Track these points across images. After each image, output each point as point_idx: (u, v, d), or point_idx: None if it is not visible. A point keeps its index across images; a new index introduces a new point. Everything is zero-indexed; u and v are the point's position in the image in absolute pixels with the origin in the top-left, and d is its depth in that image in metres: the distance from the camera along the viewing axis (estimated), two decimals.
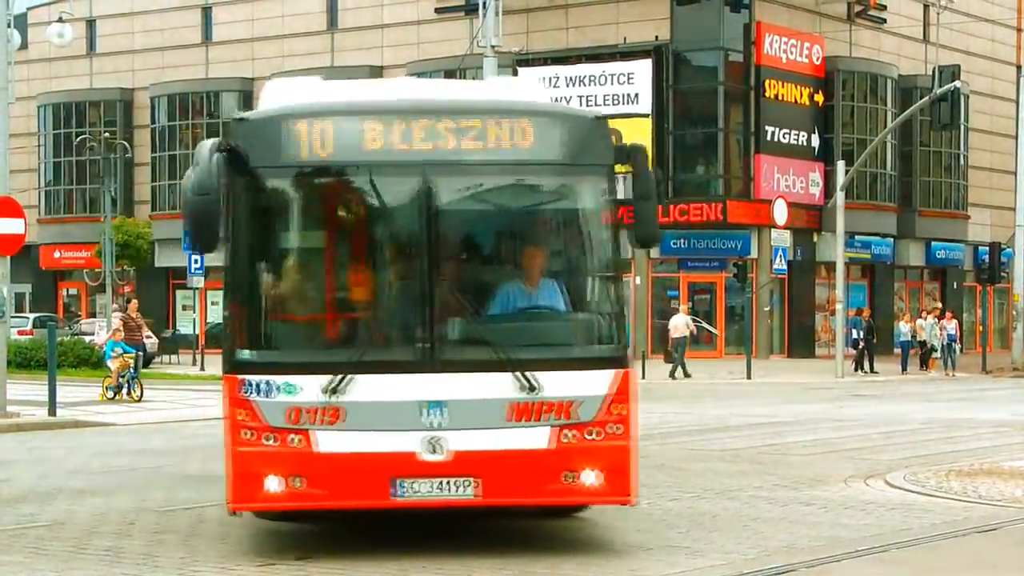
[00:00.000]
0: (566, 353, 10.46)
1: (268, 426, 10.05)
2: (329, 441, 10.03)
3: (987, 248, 49.20)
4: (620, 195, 10.53)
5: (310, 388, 10.02)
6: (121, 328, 29.17)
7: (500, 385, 10.07)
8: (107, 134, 51.75)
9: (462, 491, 10.11)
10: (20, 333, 45.29)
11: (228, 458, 10.35)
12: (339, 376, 9.99)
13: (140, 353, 29.33)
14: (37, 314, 54.15)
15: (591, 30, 50.26)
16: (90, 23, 61.43)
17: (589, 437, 10.17)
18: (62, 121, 61.42)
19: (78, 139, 54.52)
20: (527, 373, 10.05)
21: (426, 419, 10.03)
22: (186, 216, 10.23)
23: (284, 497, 10.12)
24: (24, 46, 47.88)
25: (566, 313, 10.78)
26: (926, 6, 56.20)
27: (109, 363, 29.00)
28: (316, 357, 10.30)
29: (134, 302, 31.78)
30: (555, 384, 10.12)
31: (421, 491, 10.09)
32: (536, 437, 10.12)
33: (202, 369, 41.33)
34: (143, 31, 61.07)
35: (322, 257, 10.92)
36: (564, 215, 10.91)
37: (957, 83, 39.19)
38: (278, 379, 10.06)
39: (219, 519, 12.46)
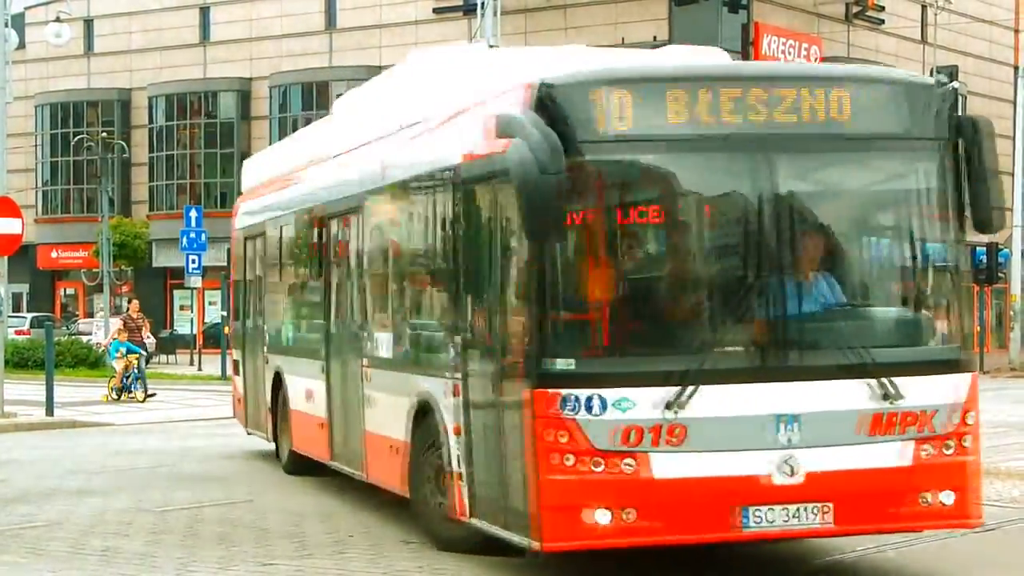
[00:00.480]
0: (925, 355, 9.35)
1: (595, 449, 8.67)
2: (668, 465, 8.75)
3: (984, 248, 49.10)
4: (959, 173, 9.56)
5: (648, 403, 8.72)
6: (122, 328, 29.16)
7: (855, 394, 9.00)
8: (104, 134, 51.81)
9: (817, 519, 8.97)
10: (17, 333, 45.34)
11: (531, 487, 8.85)
12: (687, 387, 8.72)
13: (143, 353, 29.29)
14: (34, 314, 54.20)
15: (589, 30, 50.20)
16: (88, 23, 61.42)
17: (947, 452, 9.18)
18: (59, 121, 61.42)
19: (75, 139, 54.51)
20: (890, 379, 9.03)
21: (782, 436, 8.87)
22: (531, 199, 8.53)
23: (612, 532, 8.75)
24: (22, 46, 47.91)
25: (917, 309, 9.71)
26: (924, 7, 56.21)
27: (114, 364, 28.99)
28: (654, 365, 8.87)
29: (135, 302, 31.74)
30: (916, 391, 9.07)
31: (776, 521, 8.92)
32: (895, 453, 9.07)
33: (199, 369, 41.31)
34: (141, 31, 61.06)
35: (654, 247, 9.48)
36: (908, 196, 9.70)
37: (955, 84, 39.19)
38: (612, 393, 8.69)
39: (217, 519, 12.46)
